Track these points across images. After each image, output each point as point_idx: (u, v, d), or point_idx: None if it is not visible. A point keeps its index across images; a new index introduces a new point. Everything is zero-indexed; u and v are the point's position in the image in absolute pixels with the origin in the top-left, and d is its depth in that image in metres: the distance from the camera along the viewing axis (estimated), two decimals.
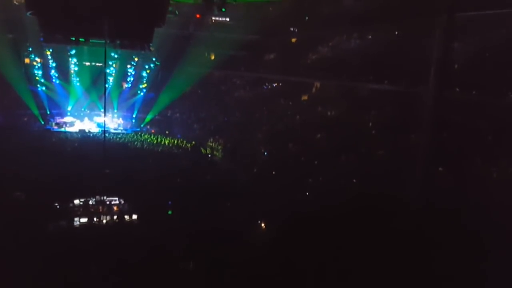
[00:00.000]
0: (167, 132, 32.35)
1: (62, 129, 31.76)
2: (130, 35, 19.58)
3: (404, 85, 20.01)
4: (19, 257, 11.71)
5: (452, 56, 17.99)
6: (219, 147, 28.10)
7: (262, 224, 15.89)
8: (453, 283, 10.81)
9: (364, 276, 11.22)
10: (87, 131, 31.82)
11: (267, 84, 32.84)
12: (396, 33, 22.41)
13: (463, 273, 10.79)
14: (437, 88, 17.10)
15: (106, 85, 33.09)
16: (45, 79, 33.73)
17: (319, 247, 12.49)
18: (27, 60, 32.86)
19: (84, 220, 16.43)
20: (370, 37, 23.77)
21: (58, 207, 16.95)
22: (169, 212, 16.94)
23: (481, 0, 17.00)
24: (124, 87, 36.25)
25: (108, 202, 17.75)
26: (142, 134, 31.75)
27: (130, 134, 31.75)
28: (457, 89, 18.09)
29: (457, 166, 15.84)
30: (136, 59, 34.77)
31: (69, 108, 34.83)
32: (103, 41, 19.49)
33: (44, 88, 33.71)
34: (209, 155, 27.83)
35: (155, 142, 29.76)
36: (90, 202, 17.57)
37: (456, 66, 18.61)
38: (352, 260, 11.83)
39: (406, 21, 19.97)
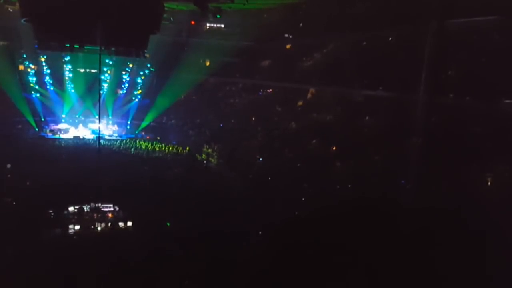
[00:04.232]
0: (162, 138, 32.28)
1: (57, 136, 31.60)
2: (125, 41, 19.63)
3: (397, 91, 20.16)
4: (14, 264, 11.63)
5: (443, 62, 18.19)
6: (215, 154, 28.07)
7: (259, 230, 15.86)
8: (447, 282, 10.90)
9: (362, 277, 11.25)
10: (81, 137, 31.69)
11: (262, 90, 32.93)
12: (389, 39, 22.60)
13: (456, 272, 10.87)
14: (429, 94, 17.28)
15: (101, 92, 33.08)
16: (39, 86, 33.57)
17: (315, 252, 12.49)
18: (21, 67, 32.71)
19: (78, 227, 16.35)
20: (363, 44, 23.92)
21: (52, 214, 16.86)
22: (168, 224, 16.81)
23: (471, 7, 17.19)
24: (118, 94, 36.17)
25: (102, 209, 17.68)
26: (137, 141, 31.64)
27: (124, 141, 31.63)
28: (450, 95, 18.26)
29: (448, 169, 15.97)
30: (131, 65, 34.74)
31: (63, 115, 34.70)
32: (98, 48, 19.52)
33: (38, 95, 33.55)
34: (205, 162, 27.79)
35: (150, 148, 29.68)
36: (85, 209, 17.50)
37: (448, 72, 18.79)
38: (348, 263, 11.85)
39: (398, 28, 20.18)
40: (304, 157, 22.72)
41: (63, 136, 31.81)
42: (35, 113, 32.18)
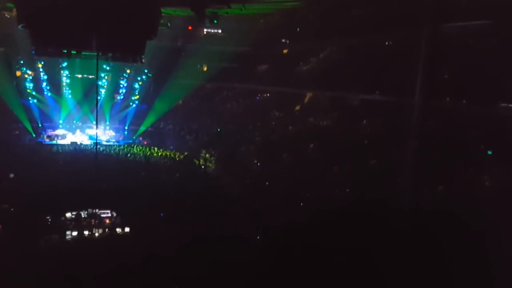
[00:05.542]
0: (159, 143, 32.25)
1: (54, 142, 31.56)
2: (122, 47, 19.68)
3: (394, 95, 20.25)
4: (11, 270, 11.58)
5: (440, 67, 18.30)
6: (212, 158, 28.07)
7: (257, 234, 15.83)
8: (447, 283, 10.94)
9: (361, 280, 11.26)
10: (79, 143, 31.65)
11: (259, 95, 33.01)
12: (386, 44, 22.73)
13: (455, 273, 10.90)
14: (425, 98, 17.38)
15: (98, 97, 33.12)
16: (36, 92, 33.58)
17: (313, 256, 12.49)
18: (18, 73, 32.73)
19: (76, 233, 16.30)
20: (359, 48, 24.01)
21: (50, 220, 16.80)
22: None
23: (467, 11, 17.31)
24: (116, 99, 36.20)
25: (100, 215, 17.63)
26: (135, 146, 31.63)
27: (122, 146, 31.60)
28: (446, 99, 18.36)
29: (446, 172, 16.04)
30: (128, 71, 34.81)
31: (60, 121, 34.67)
32: (95, 54, 19.55)
33: (35, 101, 33.56)
34: (202, 167, 27.77)
35: (147, 154, 29.65)
36: (82, 215, 17.45)
37: (444, 76, 18.90)
38: (347, 266, 11.84)
39: (395, 32, 20.30)
40: (302, 162, 22.73)
41: (60, 142, 31.78)
42: (32, 119, 32.17)
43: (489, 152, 15.87)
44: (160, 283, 12.09)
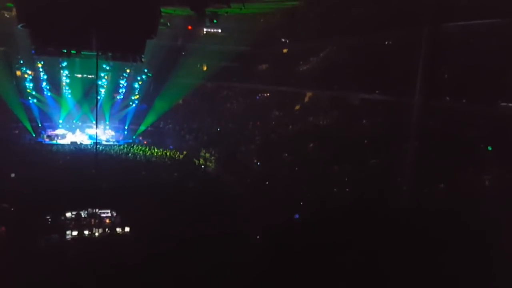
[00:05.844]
0: (159, 143, 32.22)
1: (54, 142, 31.55)
2: (122, 47, 19.66)
3: (394, 94, 20.26)
4: (11, 270, 11.58)
5: (440, 66, 18.31)
6: (212, 158, 28.06)
7: (257, 234, 15.83)
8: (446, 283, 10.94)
9: (361, 280, 11.26)
10: (78, 143, 31.64)
11: (259, 94, 33.01)
12: (386, 43, 22.73)
13: (455, 274, 10.90)
14: (424, 98, 17.41)
15: (98, 97, 33.11)
16: (36, 91, 33.58)
17: (313, 255, 12.49)
18: (18, 73, 32.73)
19: (76, 233, 16.29)
20: (360, 47, 24.01)
21: (50, 220, 16.79)
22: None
23: (467, 10, 17.31)
24: (116, 99, 36.18)
25: (100, 215, 17.62)
26: (135, 146, 31.62)
27: (122, 146, 31.58)
28: (446, 98, 18.37)
29: (446, 172, 16.05)
30: (128, 70, 34.78)
31: (60, 121, 34.66)
32: (95, 53, 19.53)
33: (35, 100, 33.55)
34: (202, 166, 27.76)
35: (147, 153, 29.63)
36: (82, 215, 17.44)
37: (444, 75, 18.90)
38: (347, 265, 11.84)
39: (395, 32, 20.30)
40: (302, 161, 22.73)
41: (60, 141, 31.76)
42: (32, 119, 32.16)
43: (489, 148, 15.88)
44: (160, 283, 12.07)
